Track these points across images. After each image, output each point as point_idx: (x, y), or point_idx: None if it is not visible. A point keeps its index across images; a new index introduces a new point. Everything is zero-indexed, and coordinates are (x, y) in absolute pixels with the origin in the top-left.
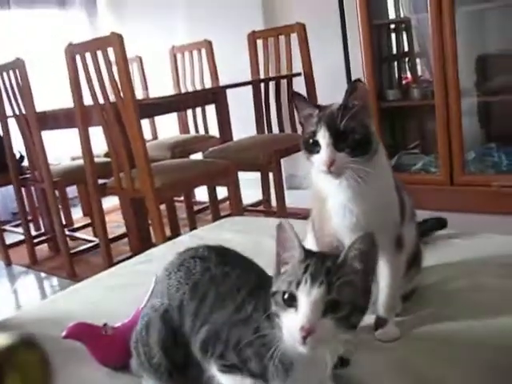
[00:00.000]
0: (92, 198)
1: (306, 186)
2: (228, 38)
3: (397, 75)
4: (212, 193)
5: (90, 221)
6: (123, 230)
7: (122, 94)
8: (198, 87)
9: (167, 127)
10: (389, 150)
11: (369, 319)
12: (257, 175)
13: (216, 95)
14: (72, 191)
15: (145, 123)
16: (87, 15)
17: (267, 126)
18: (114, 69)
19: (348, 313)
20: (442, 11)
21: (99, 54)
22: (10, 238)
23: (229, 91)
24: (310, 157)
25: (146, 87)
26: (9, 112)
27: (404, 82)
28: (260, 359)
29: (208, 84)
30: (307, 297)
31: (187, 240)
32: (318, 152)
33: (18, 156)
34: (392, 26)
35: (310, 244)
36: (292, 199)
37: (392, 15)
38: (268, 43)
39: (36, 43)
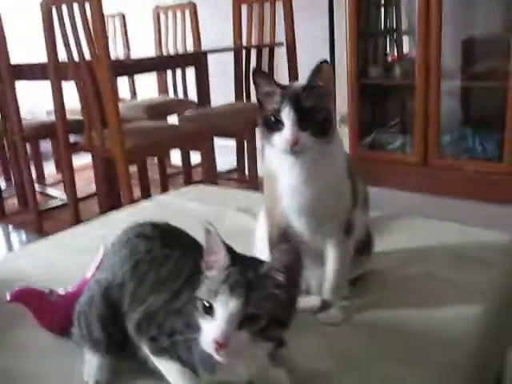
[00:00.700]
0: (62, 155)
1: None
2: (213, 1)
3: (382, 52)
4: (185, 157)
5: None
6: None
7: (97, 52)
8: (180, 49)
9: (147, 87)
10: (367, 127)
11: (315, 301)
12: (234, 142)
13: (197, 59)
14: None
15: (124, 81)
16: None
17: (246, 95)
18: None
19: (265, 326)
20: None
21: (76, 7)
22: None
23: (210, 56)
24: (269, 135)
25: (127, 45)
26: None
27: (390, 59)
28: (189, 350)
29: (190, 46)
30: (224, 309)
31: (150, 206)
32: (279, 130)
33: None
34: (382, 1)
35: (262, 224)
36: None
37: None
38: (253, 10)
39: None
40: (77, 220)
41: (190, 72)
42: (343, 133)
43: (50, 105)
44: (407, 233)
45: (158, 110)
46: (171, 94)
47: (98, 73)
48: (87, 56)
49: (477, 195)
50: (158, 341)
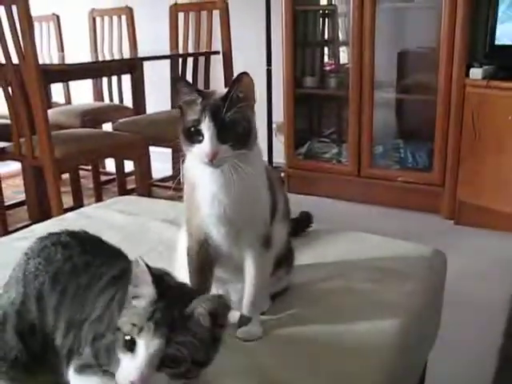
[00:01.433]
0: None
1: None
2: (151, 7)
3: (319, 62)
4: (119, 166)
5: None
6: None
7: (24, 55)
8: (116, 55)
9: (82, 93)
10: (302, 137)
11: (234, 316)
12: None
13: (133, 66)
14: None
15: (58, 87)
16: None
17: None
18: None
19: (185, 369)
20: (364, 4)
21: (2, 10)
22: None
23: (146, 62)
24: (189, 144)
25: (61, 48)
26: None
27: (328, 69)
28: (108, 353)
29: (126, 52)
30: (145, 347)
31: (74, 217)
32: (199, 141)
33: None
34: (320, 12)
35: (183, 236)
36: None
37: (324, 1)
38: (189, 17)
39: None
40: (4, 229)
41: (126, 78)
42: (279, 142)
43: None
44: (329, 246)
45: (92, 116)
46: (106, 100)
47: (26, 77)
48: (15, 60)
49: (408, 205)
50: (82, 355)
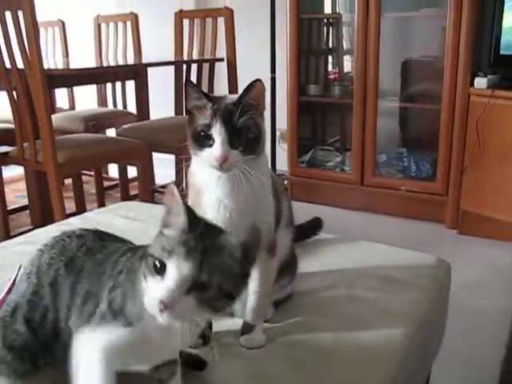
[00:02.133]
0: None
1: None
2: (156, 13)
3: (323, 70)
4: (122, 171)
5: None
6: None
7: (29, 60)
8: (121, 61)
9: (86, 98)
10: (306, 145)
11: (238, 323)
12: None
13: (137, 71)
14: None
15: (63, 92)
16: None
17: (186, 109)
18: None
19: (213, 296)
20: (369, 13)
21: (8, 15)
22: None
23: (151, 69)
24: (198, 149)
25: (66, 54)
26: None
27: (332, 77)
28: (124, 300)
29: (130, 58)
30: (175, 270)
31: (76, 223)
32: (209, 146)
33: None
34: (324, 21)
35: None
36: None
37: (328, 10)
38: (194, 24)
39: None
40: (6, 234)
41: (130, 84)
42: (282, 149)
43: None
44: (333, 254)
45: (96, 122)
46: (110, 106)
47: (31, 82)
48: (20, 64)
49: (411, 214)
50: (97, 312)
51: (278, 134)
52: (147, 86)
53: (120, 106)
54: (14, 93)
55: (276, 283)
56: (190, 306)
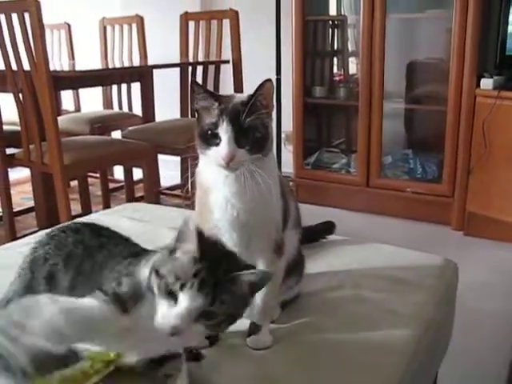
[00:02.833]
0: None
1: None
2: (161, 15)
3: (328, 72)
4: (128, 173)
5: None
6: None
7: (35, 62)
8: (126, 63)
9: (92, 100)
10: (311, 146)
11: (245, 324)
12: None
13: (142, 73)
14: None
15: (68, 94)
16: None
17: (191, 111)
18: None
19: (221, 321)
20: (374, 14)
21: (15, 17)
22: None
23: (156, 71)
24: (205, 147)
25: (72, 56)
26: None
27: (337, 79)
28: (131, 279)
29: (136, 60)
30: (189, 302)
31: None
32: (216, 145)
33: None
34: (329, 23)
35: None
36: None
37: (333, 12)
38: (200, 26)
39: None
40: (12, 234)
41: (136, 86)
42: (288, 151)
43: None
44: (340, 255)
45: (101, 124)
46: (116, 108)
47: (37, 84)
48: (26, 66)
49: (417, 215)
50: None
51: (283, 136)
52: (153, 88)
53: (125, 108)
54: (21, 95)
55: (283, 284)
56: (198, 331)
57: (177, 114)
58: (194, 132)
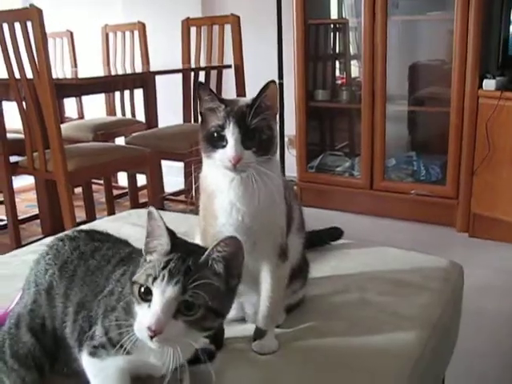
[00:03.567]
0: (1, 176)
1: None
2: (163, 22)
3: (330, 75)
4: (131, 179)
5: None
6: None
7: (38, 70)
8: (129, 70)
9: (95, 107)
10: (315, 150)
11: (250, 329)
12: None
13: (145, 80)
14: None
15: (71, 101)
16: None
17: (194, 116)
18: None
19: (201, 316)
20: (376, 17)
21: (18, 26)
22: None
23: (158, 77)
24: (211, 150)
25: (75, 64)
26: None
27: (339, 82)
28: (119, 327)
29: (138, 67)
30: (161, 295)
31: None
32: (223, 147)
33: None
34: (331, 26)
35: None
36: None
37: (335, 15)
38: (201, 32)
39: None
40: (17, 242)
41: (138, 93)
42: (291, 155)
43: None
44: (345, 258)
45: (105, 131)
46: (119, 115)
47: (40, 92)
48: (29, 75)
49: (421, 218)
50: (95, 336)
51: (286, 140)
52: (155, 94)
53: (128, 115)
54: (24, 103)
55: (288, 288)
56: (178, 329)
57: (180, 120)
58: (197, 136)
